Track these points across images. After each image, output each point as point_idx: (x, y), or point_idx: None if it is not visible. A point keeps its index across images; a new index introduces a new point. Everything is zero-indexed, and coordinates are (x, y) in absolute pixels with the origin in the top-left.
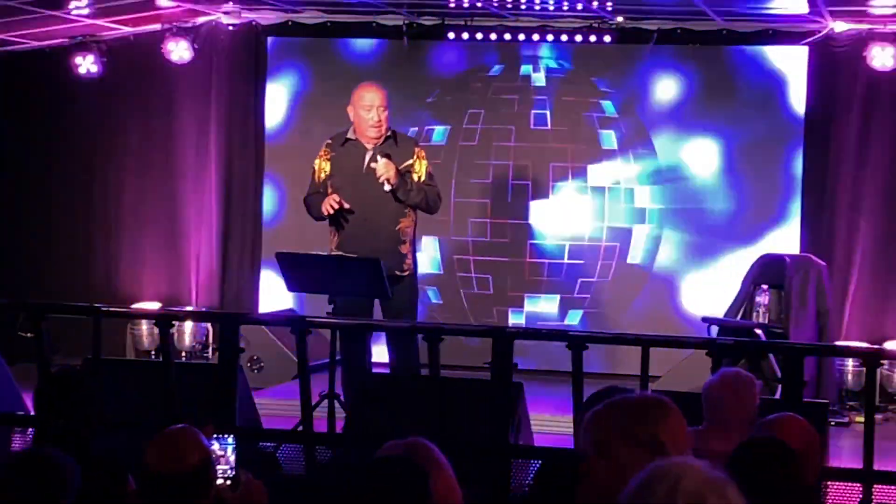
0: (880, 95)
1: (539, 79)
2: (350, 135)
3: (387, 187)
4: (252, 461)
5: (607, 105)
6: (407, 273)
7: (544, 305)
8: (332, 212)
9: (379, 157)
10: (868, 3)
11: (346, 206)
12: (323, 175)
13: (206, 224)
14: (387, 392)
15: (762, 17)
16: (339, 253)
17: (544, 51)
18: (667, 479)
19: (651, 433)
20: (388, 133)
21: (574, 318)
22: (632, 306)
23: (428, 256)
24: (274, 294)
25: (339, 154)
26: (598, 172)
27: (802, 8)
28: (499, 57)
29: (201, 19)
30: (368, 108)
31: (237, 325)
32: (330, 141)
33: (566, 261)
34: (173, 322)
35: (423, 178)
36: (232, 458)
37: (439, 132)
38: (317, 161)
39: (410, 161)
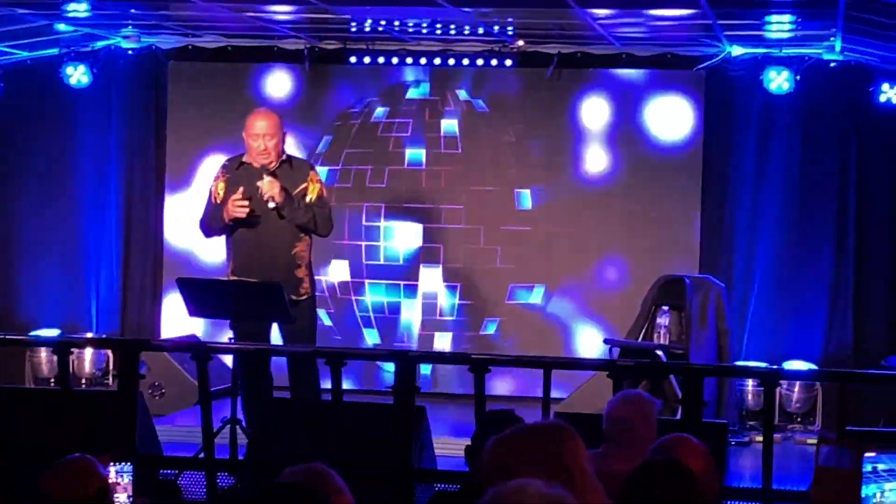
0: (776, 118)
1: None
2: (245, 158)
3: (271, 205)
4: (153, 489)
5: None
6: (304, 297)
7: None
8: (242, 214)
9: (265, 176)
10: (764, 28)
11: (246, 205)
12: (220, 197)
13: (107, 249)
14: (289, 417)
15: (660, 41)
16: (235, 278)
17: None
18: (507, 499)
19: (555, 458)
20: (284, 158)
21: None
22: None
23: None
24: (180, 319)
25: (234, 177)
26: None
27: (700, 33)
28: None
29: (100, 44)
30: (256, 137)
31: (137, 352)
32: (227, 163)
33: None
34: (72, 349)
35: (313, 200)
36: (130, 486)
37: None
38: (213, 183)
39: (304, 184)
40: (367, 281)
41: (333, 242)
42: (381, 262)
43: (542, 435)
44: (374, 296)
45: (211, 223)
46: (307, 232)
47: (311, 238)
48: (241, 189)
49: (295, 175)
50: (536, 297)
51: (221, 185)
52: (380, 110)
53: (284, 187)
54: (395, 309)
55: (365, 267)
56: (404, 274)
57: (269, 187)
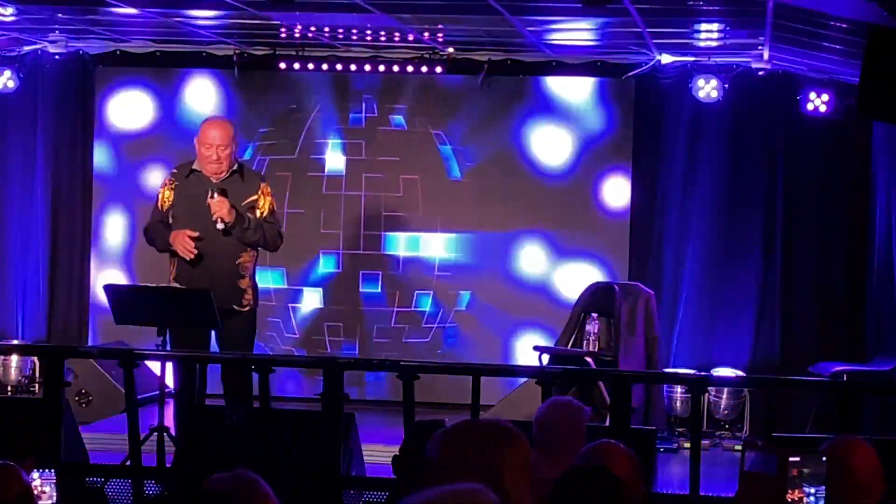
0: (705, 126)
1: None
2: (195, 166)
3: (220, 225)
4: (78, 496)
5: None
6: (246, 308)
7: None
8: (186, 255)
9: (215, 195)
10: (692, 37)
11: (193, 253)
12: (167, 204)
13: (33, 255)
14: (217, 425)
15: (590, 49)
16: (176, 284)
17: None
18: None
19: (491, 460)
20: (235, 167)
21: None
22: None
23: None
24: (108, 326)
25: (183, 184)
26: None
27: (629, 41)
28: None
29: (26, 48)
30: (209, 146)
31: (62, 359)
32: (175, 170)
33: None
34: None
35: (264, 214)
36: (54, 494)
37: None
38: (161, 190)
39: (255, 196)
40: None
41: None
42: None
43: (484, 435)
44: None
45: (154, 237)
46: (260, 247)
47: (256, 249)
48: (195, 231)
49: (245, 186)
50: (462, 303)
51: (169, 192)
52: (308, 116)
53: (233, 205)
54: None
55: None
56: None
57: (217, 207)
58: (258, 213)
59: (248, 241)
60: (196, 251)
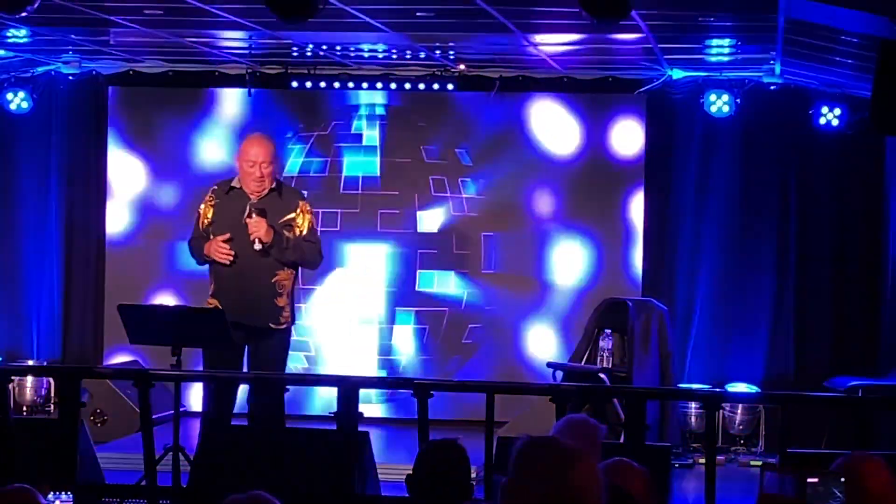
0: (717, 141)
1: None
2: (235, 183)
3: (257, 246)
4: None
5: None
6: (283, 326)
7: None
8: (224, 260)
9: (253, 215)
10: (704, 52)
11: (230, 255)
12: (206, 221)
13: (48, 275)
14: (232, 443)
15: (602, 64)
16: (215, 301)
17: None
18: None
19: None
20: (273, 185)
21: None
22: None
23: None
24: (122, 346)
25: (223, 202)
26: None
27: (641, 57)
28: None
29: (40, 69)
30: (252, 164)
31: (78, 379)
32: (216, 187)
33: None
34: (12, 377)
35: (304, 233)
36: None
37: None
38: (202, 206)
39: (293, 215)
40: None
41: None
42: None
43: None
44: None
45: (195, 251)
46: (299, 266)
47: (295, 268)
48: (227, 234)
49: (283, 204)
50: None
51: (209, 209)
52: (321, 134)
53: (272, 225)
54: None
55: None
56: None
57: (255, 228)
58: (297, 230)
59: (286, 260)
60: (233, 253)
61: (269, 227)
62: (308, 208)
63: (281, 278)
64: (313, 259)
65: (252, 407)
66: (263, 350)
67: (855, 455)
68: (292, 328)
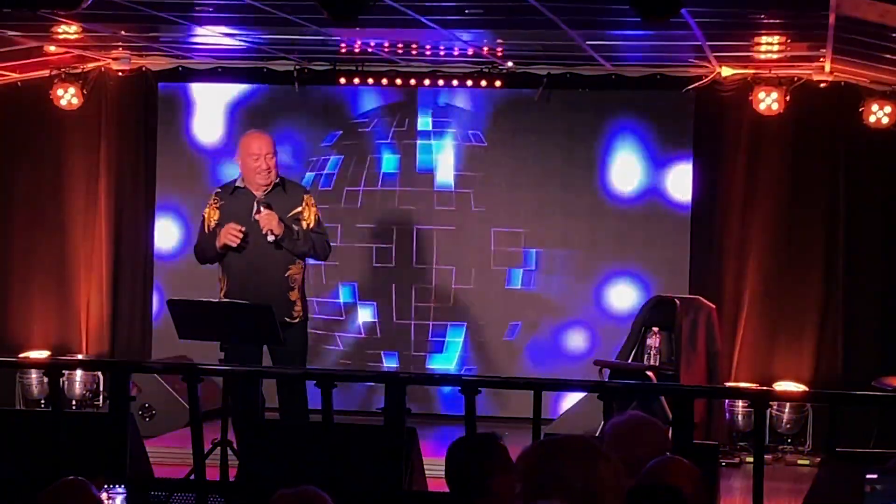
0: (765, 139)
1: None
2: (239, 183)
3: (270, 238)
4: None
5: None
6: (297, 320)
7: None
8: (233, 243)
9: (262, 209)
10: (753, 49)
11: (240, 235)
12: (213, 223)
13: (97, 270)
14: (280, 439)
15: (650, 61)
16: (228, 300)
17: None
18: None
19: (587, 479)
20: (277, 180)
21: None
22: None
23: None
24: (171, 340)
25: (228, 202)
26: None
27: (689, 54)
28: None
29: (90, 65)
30: (256, 157)
31: (127, 374)
32: (219, 190)
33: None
34: (63, 371)
35: (311, 226)
36: None
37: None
38: (206, 210)
39: (299, 208)
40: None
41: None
42: None
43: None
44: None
45: (205, 251)
46: (309, 258)
47: (304, 261)
48: (240, 227)
49: (288, 198)
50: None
51: (214, 212)
52: (366, 132)
53: (281, 219)
54: None
55: None
56: None
57: (266, 221)
58: (304, 224)
59: (298, 251)
60: (244, 233)
61: (280, 220)
62: (313, 201)
63: (293, 272)
64: (322, 250)
65: (283, 401)
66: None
67: None
68: (308, 323)
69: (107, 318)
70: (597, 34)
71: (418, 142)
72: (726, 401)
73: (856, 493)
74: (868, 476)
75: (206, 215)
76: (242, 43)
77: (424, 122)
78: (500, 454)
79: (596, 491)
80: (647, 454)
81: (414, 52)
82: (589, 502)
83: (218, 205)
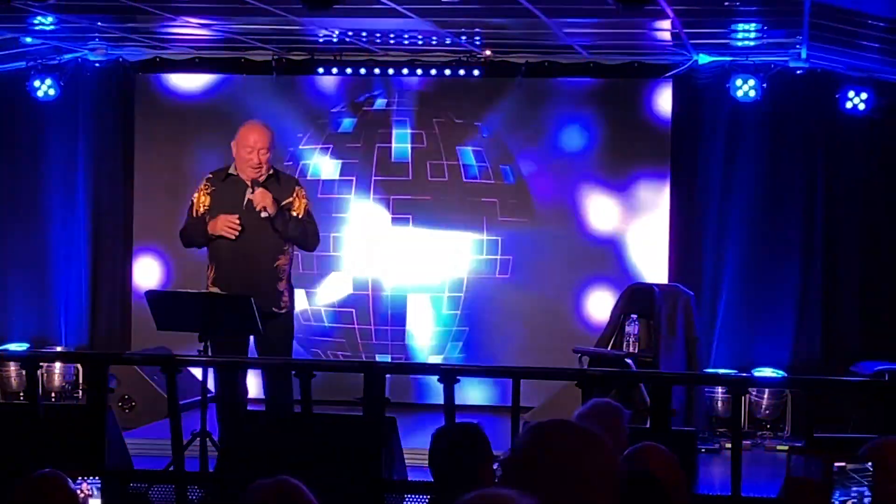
0: (743, 126)
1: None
2: (232, 170)
3: (264, 215)
4: (123, 502)
5: (474, 136)
6: (284, 311)
7: None
8: (230, 235)
9: (255, 188)
10: (730, 37)
11: (238, 229)
12: (202, 209)
13: (76, 262)
14: (259, 429)
15: (627, 49)
16: (215, 288)
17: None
18: None
19: (582, 467)
20: (270, 172)
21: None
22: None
23: None
24: (150, 332)
25: (219, 189)
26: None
27: (667, 41)
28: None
29: (67, 56)
30: (250, 150)
31: (105, 366)
32: (211, 175)
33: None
34: (40, 363)
35: (300, 216)
36: (100, 501)
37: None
38: (196, 195)
39: (290, 199)
40: None
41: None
42: None
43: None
44: None
45: (193, 236)
46: (297, 245)
47: (292, 252)
48: (237, 220)
49: (281, 189)
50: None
51: (205, 197)
52: (347, 121)
53: (275, 198)
54: None
55: None
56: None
57: (261, 198)
58: (294, 213)
59: (290, 234)
60: (240, 227)
61: (274, 199)
62: (304, 193)
63: (281, 263)
64: (312, 237)
65: (268, 392)
66: (268, 335)
67: (883, 439)
68: (294, 314)
69: (86, 308)
70: (573, 22)
71: (394, 131)
72: (705, 387)
73: (827, 480)
74: (837, 464)
75: (195, 200)
76: (219, 33)
77: (399, 111)
78: (483, 443)
79: (588, 477)
80: (609, 436)
81: (392, 42)
82: (581, 489)
83: (209, 191)
